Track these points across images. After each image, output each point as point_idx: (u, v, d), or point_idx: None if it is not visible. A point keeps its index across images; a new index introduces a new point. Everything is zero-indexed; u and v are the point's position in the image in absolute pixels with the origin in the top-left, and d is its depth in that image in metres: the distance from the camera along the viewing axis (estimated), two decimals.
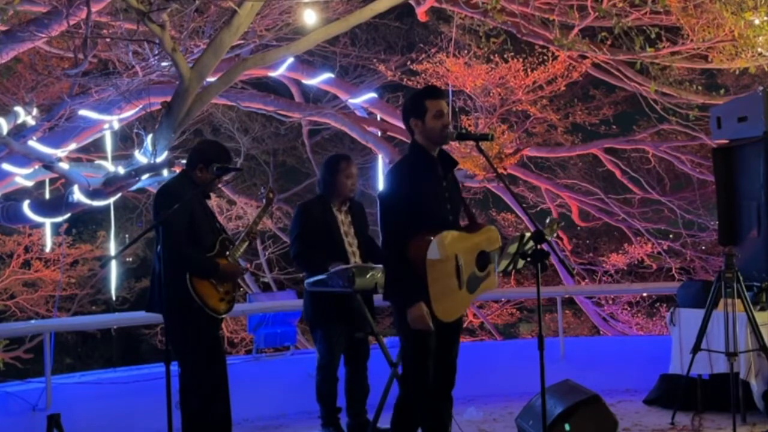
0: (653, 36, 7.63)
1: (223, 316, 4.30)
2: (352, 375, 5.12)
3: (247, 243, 4.47)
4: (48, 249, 10.90)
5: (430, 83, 9.49)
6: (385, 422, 4.29)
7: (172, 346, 4.20)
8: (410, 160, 3.89)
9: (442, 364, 3.83)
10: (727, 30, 6.84)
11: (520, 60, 9.50)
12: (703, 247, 12.35)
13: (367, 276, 4.64)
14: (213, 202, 4.60)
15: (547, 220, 4.34)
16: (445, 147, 3.93)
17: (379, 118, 10.27)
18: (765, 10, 6.38)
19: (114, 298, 12.07)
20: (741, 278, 5.05)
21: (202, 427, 4.19)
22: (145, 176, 6.51)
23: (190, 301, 4.09)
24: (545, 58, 9.46)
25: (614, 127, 12.10)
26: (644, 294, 12.38)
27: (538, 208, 12.85)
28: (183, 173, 4.42)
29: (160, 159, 6.23)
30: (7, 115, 6.92)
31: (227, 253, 4.31)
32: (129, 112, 7.46)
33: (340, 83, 10.05)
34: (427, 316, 3.61)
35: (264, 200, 4.71)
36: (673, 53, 7.81)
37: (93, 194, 6.60)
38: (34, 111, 7.20)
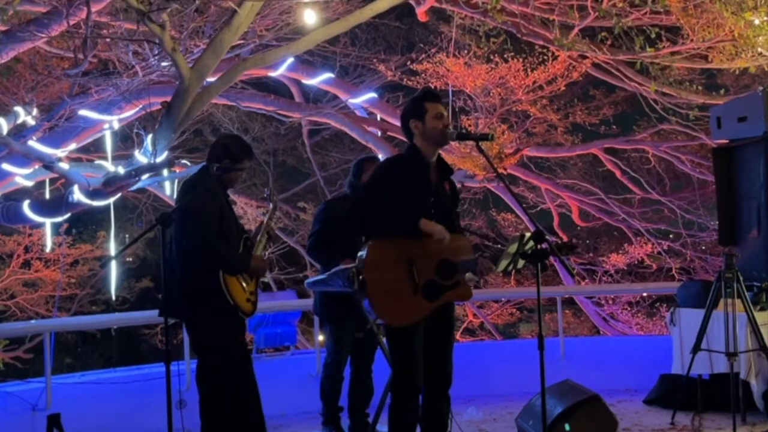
0: (653, 36, 7.62)
1: (248, 317, 4.20)
2: (356, 376, 5.12)
3: (266, 238, 4.36)
4: (48, 249, 10.88)
5: (430, 83, 9.48)
6: (385, 423, 4.28)
7: (194, 346, 4.11)
8: (404, 158, 3.94)
9: (435, 363, 3.82)
10: (727, 30, 6.83)
11: (520, 60, 9.48)
12: (703, 247, 12.34)
13: None
14: None
15: (561, 243, 4.25)
16: (444, 150, 3.93)
17: (379, 118, 10.26)
18: (765, 10, 6.38)
19: (114, 298, 12.07)
20: (741, 278, 5.05)
21: (216, 409, 4.09)
22: (145, 176, 6.51)
23: (223, 300, 3.96)
24: (545, 58, 9.44)
25: (614, 127, 12.08)
26: (644, 294, 12.38)
27: (538, 208, 12.84)
28: (204, 169, 4.28)
29: (160, 159, 6.23)
30: (7, 115, 6.92)
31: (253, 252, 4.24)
32: (129, 112, 7.45)
33: (340, 83, 10.04)
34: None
35: (270, 204, 4.66)
36: (673, 53, 7.80)
37: (93, 194, 6.59)
38: (34, 111, 7.19)
